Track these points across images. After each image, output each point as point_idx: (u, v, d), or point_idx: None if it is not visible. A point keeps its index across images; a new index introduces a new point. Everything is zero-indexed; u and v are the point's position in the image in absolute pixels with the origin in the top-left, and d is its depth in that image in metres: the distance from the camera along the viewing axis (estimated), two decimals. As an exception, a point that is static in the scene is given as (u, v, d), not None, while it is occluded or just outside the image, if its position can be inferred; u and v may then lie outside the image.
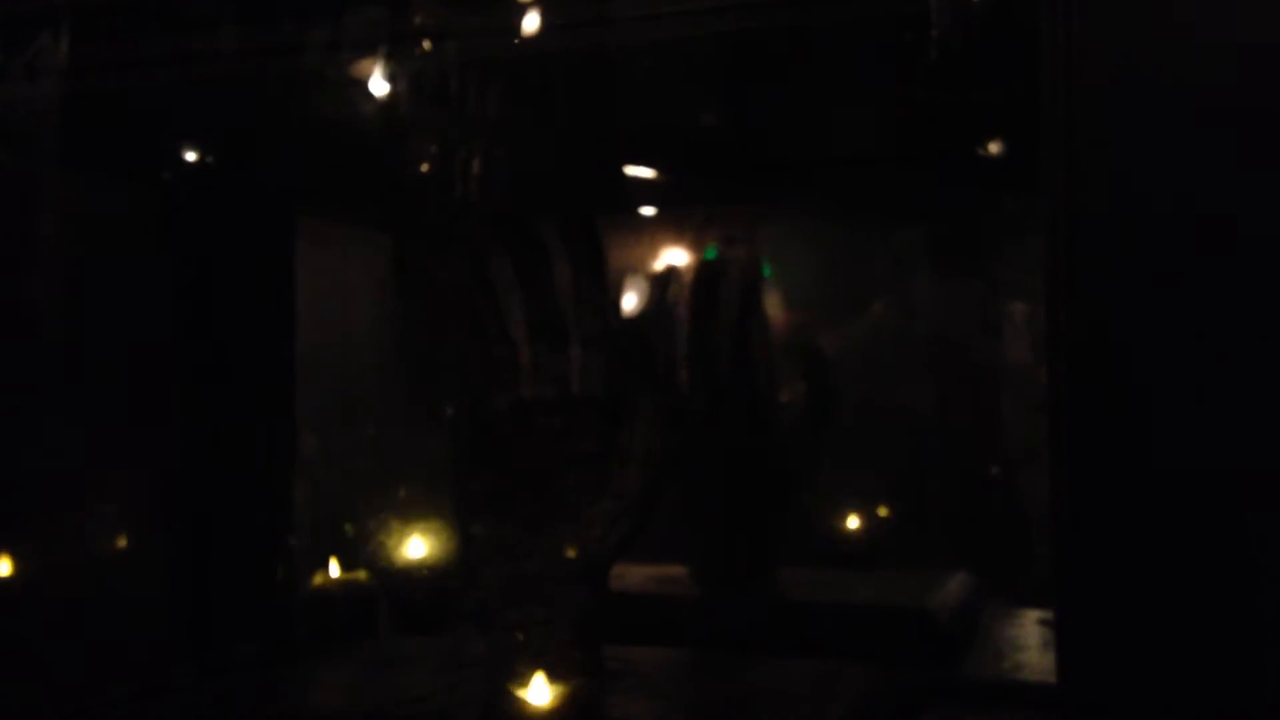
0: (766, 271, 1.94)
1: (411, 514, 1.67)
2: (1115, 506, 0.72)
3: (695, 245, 1.93)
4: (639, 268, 1.92)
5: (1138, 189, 0.72)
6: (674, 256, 1.94)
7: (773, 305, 1.93)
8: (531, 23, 1.23)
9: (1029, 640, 1.58)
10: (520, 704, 1.06)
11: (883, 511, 1.84)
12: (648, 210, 1.93)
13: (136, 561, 1.63)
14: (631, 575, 1.63)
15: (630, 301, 1.89)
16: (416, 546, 1.66)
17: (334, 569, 1.65)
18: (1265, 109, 0.70)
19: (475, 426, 1.17)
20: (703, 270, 1.88)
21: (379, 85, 1.37)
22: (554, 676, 1.07)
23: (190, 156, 1.63)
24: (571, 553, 1.09)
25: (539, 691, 1.06)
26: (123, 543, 1.61)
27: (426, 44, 1.33)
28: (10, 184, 1.48)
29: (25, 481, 1.47)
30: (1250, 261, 0.70)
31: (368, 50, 1.35)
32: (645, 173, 1.77)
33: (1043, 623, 1.63)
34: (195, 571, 1.64)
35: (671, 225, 1.93)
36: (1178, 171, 0.71)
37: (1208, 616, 0.71)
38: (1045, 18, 0.75)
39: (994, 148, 1.55)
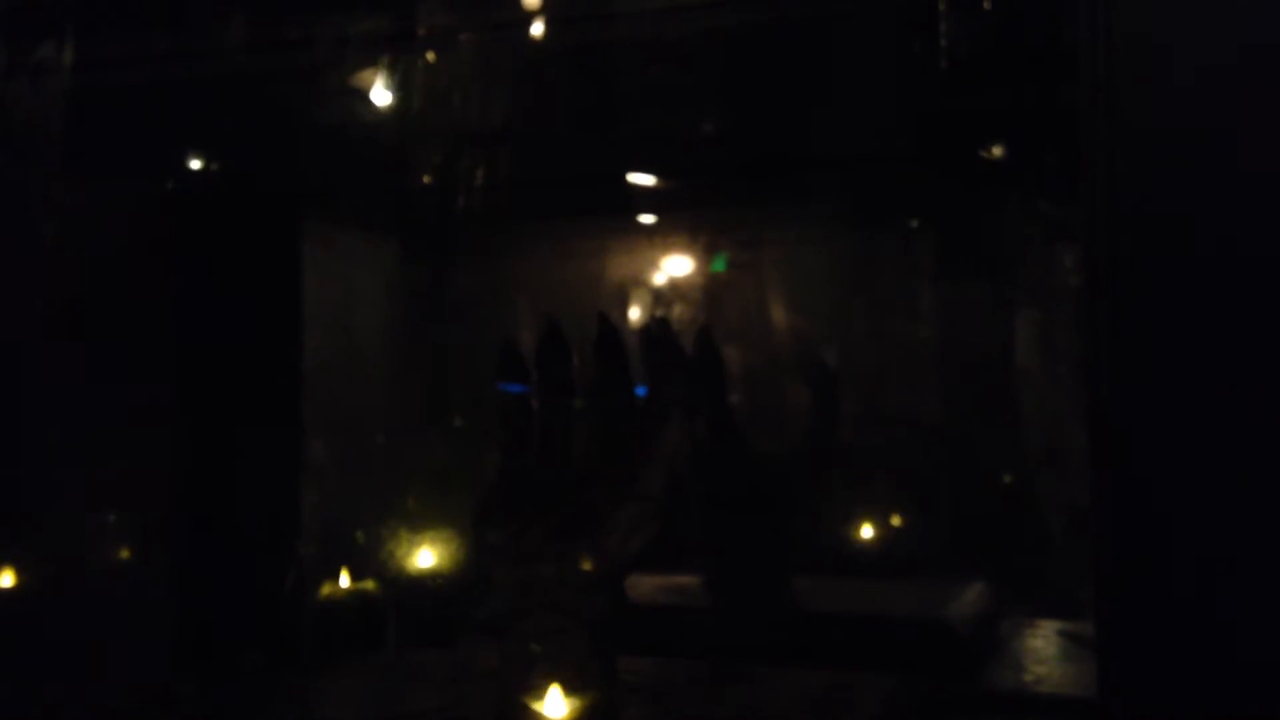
0: (782, 281, 1.93)
1: (422, 522, 1.66)
2: (1155, 516, 0.70)
3: (707, 251, 1.92)
4: (653, 274, 1.92)
5: (1177, 195, 0.71)
6: (686, 263, 1.93)
7: (786, 311, 1.92)
8: (536, 27, 1.22)
9: (1048, 651, 1.56)
10: (534, 716, 1.04)
11: (900, 521, 1.83)
12: (659, 216, 1.92)
13: (141, 569, 1.62)
14: (645, 586, 1.62)
15: (648, 308, 1.89)
16: (427, 556, 1.65)
17: (342, 578, 1.64)
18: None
19: (507, 430, 1.16)
20: (715, 278, 1.88)
21: (384, 91, 1.37)
22: (568, 688, 1.05)
23: (197, 161, 1.63)
24: (588, 563, 1.08)
25: (553, 703, 1.04)
26: (127, 551, 1.61)
27: (430, 52, 1.33)
28: (16, 187, 1.47)
29: (30, 488, 1.46)
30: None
31: (373, 55, 1.35)
32: (656, 177, 1.77)
33: (1062, 633, 1.61)
34: (200, 580, 1.63)
35: (684, 231, 1.92)
36: (1218, 179, 0.70)
37: (1248, 628, 0.69)
38: (1084, 23, 0.74)
39: (1006, 151, 1.54)
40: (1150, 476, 0.71)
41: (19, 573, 1.48)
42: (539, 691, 1.04)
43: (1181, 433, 0.70)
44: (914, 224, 1.91)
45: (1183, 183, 0.71)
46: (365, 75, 1.40)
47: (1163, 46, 0.72)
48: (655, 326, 1.28)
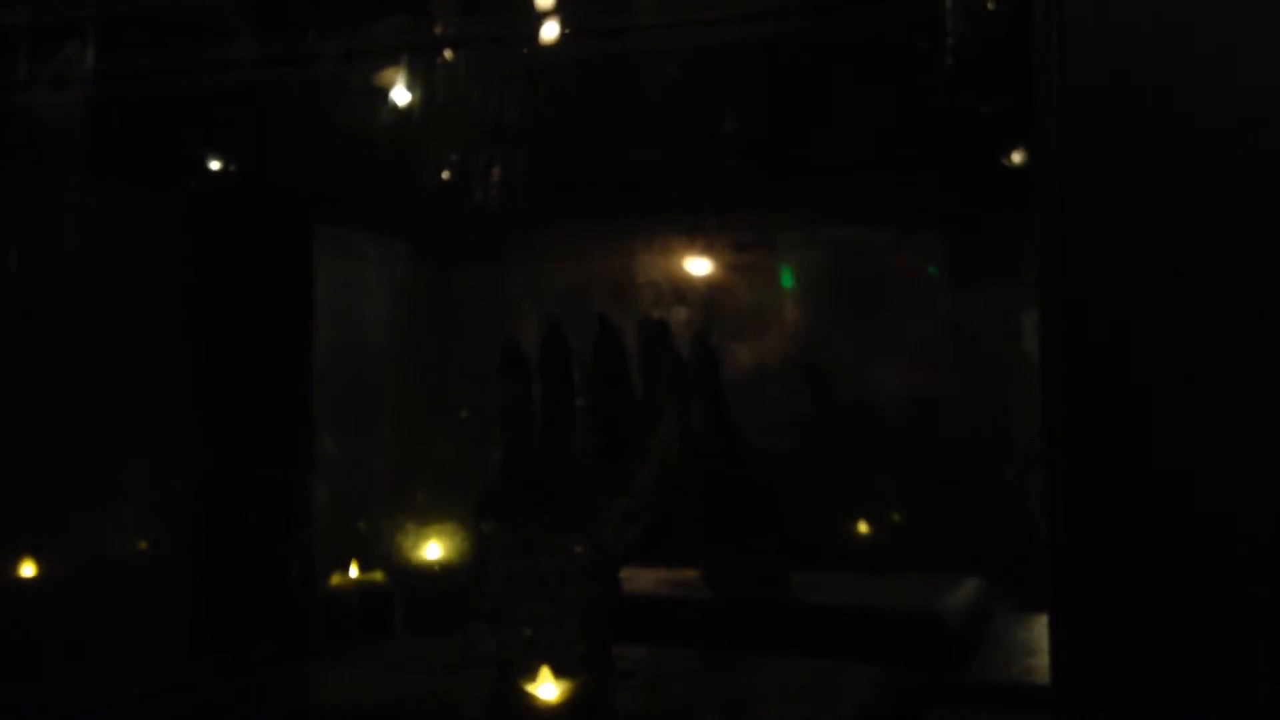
0: (787, 281, 1.95)
1: (427, 514, 1.69)
2: (1109, 508, 0.73)
3: (708, 253, 1.94)
4: (655, 276, 1.94)
5: (1130, 192, 0.73)
6: (688, 264, 1.95)
7: (785, 311, 1.94)
8: (549, 30, 1.24)
9: (1039, 644, 1.58)
10: (530, 701, 1.08)
11: (895, 516, 1.84)
12: (662, 218, 1.94)
13: (156, 561, 1.64)
14: (644, 578, 1.64)
15: (648, 309, 1.91)
16: (432, 546, 1.67)
17: (351, 569, 1.67)
18: (1256, 112, 0.71)
19: (506, 425, 1.20)
20: (715, 280, 1.90)
21: (394, 95, 1.39)
22: (563, 674, 1.08)
23: (212, 166, 1.66)
24: (580, 549, 1.11)
25: (548, 689, 1.08)
26: (143, 543, 1.63)
27: (447, 54, 1.34)
28: (35, 189, 1.50)
29: (48, 483, 1.49)
30: (1244, 263, 0.71)
31: (385, 61, 1.37)
32: (659, 180, 1.79)
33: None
34: (213, 571, 1.66)
35: (685, 233, 1.94)
36: (1171, 174, 0.72)
37: (1202, 617, 0.71)
38: (1039, 23, 0.76)
39: (1007, 152, 1.55)
40: (1105, 469, 0.73)
41: (38, 564, 1.50)
42: (533, 676, 1.08)
43: (1134, 425, 0.72)
44: (918, 226, 1.92)
45: (1139, 180, 0.73)
46: (376, 80, 1.42)
47: (1117, 40, 0.74)
48: (653, 328, 1.31)
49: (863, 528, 1.84)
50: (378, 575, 1.67)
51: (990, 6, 1.21)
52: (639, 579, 1.58)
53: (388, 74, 1.41)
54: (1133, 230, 0.73)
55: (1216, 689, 0.72)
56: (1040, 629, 1.62)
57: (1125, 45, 0.73)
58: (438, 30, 1.31)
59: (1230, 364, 0.71)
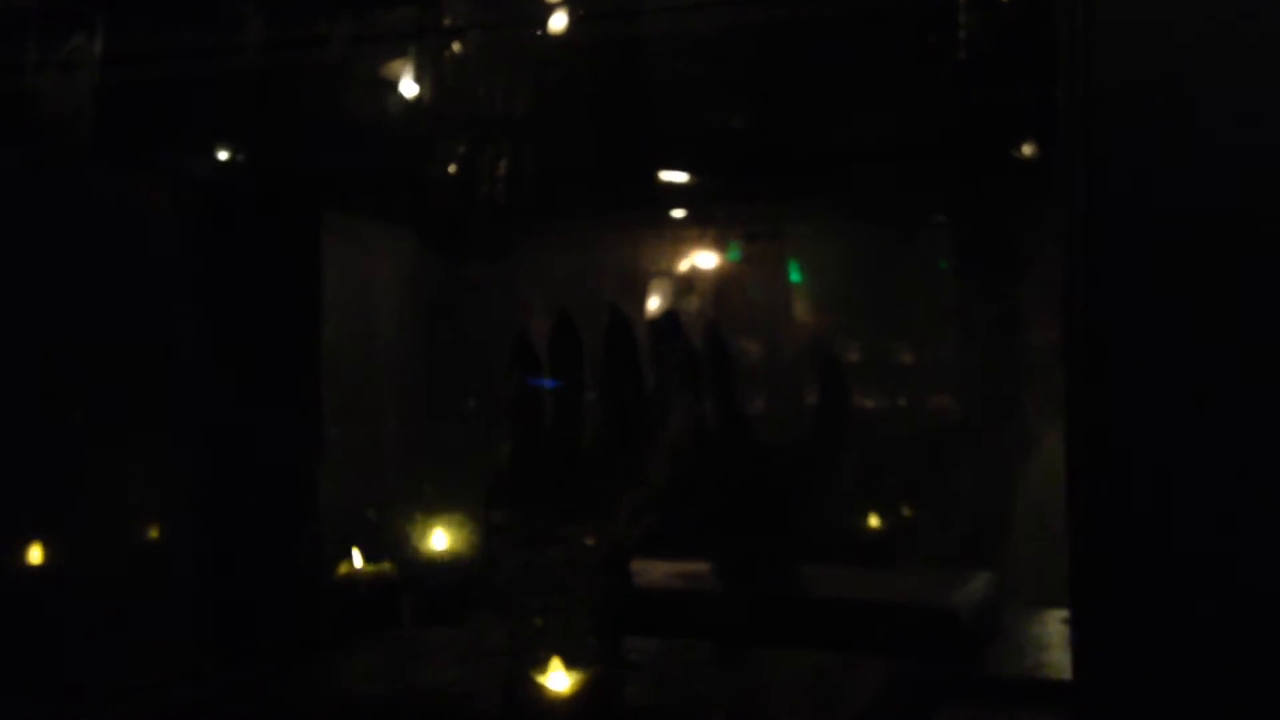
0: (795, 275, 1.95)
1: (436, 505, 1.69)
2: (1131, 505, 0.72)
3: (719, 244, 1.94)
4: (665, 267, 1.94)
5: (1157, 190, 0.72)
6: (698, 255, 1.95)
7: (796, 302, 1.93)
8: (557, 19, 1.24)
9: (1052, 639, 1.58)
10: (539, 691, 1.07)
11: (907, 510, 1.84)
12: (672, 209, 1.94)
13: (165, 551, 1.65)
14: (655, 570, 1.64)
15: (658, 300, 1.91)
16: (441, 537, 1.67)
17: (359, 560, 1.67)
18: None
19: (516, 416, 1.20)
20: (725, 271, 1.90)
21: (404, 84, 1.39)
22: (573, 666, 1.08)
23: (221, 154, 1.66)
24: (592, 540, 1.11)
25: (558, 680, 1.07)
26: (151, 532, 1.64)
27: (455, 43, 1.34)
28: (42, 178, 1.50)
29: (57, 473, 1.49)
30: (1270, 264, 0.70)
31: (394, 49, 1.37)
32: (669, 171, 1.78)
33: (1066, 622, 1.62)
34: (222, 560, 1.66)
35: (695, 224, 1.94)
36: (1198, 172, 0.72)
37: (1223, 615, 0.71)
38: (1065, 18, 0.75)
39: (1019, 145, 1.55)
40: (1127, 470, 0.72)
41: (44, 553, 1.50)
42: (544, 667, 1.07)
43: (1157, 425, 0.72)
44: (932, 219, 1.91)
45: (1168, 177, 0.72)
46: (386, 69, 1.42)
47: (1144, 33, 0.73)
48: (664, 320, 1.30)
49: (875, 521, 1.83)
50: (386, 565, 1.67)
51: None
52: (649, 571, 1.58)
53: (397, 63, 1.41)
54: (1160, 227, 0.72)
55: (1239, 687, 0.71)
56: (1054, 624, 1.63)
57: (1155, 40, 0.72)
58: (447, 20, 1.31)
59: (1257, 362, 0.70)
